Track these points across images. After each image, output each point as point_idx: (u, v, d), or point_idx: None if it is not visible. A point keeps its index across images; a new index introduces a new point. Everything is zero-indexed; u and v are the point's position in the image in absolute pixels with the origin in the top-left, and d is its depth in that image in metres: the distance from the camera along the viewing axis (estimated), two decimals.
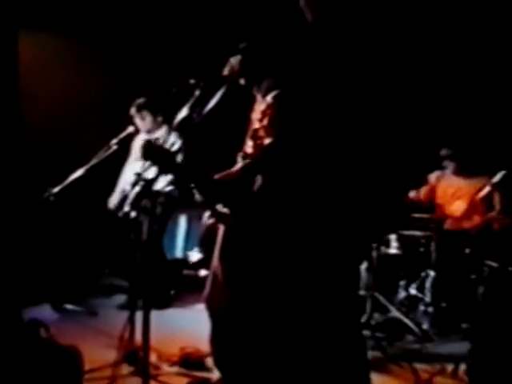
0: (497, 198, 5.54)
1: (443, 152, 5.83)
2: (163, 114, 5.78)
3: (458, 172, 5.83)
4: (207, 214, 3.44)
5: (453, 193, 5.86)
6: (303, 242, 2.95)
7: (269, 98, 3.27)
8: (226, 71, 3.39)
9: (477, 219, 5.64)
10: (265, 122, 3.26)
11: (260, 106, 3.32)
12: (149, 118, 5.76)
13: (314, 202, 2.92)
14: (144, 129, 5.78)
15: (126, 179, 5.68)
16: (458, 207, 5.71)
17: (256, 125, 3.31)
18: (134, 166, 5.54)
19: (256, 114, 3.34)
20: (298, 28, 3.06)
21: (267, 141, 3.21)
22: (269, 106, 3.25)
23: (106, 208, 5.86)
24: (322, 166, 2.93)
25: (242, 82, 3.41)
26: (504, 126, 6.20)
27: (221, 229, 3.38)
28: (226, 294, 3.30)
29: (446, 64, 6.17)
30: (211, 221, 3.41)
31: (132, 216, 5.59)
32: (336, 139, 2.92)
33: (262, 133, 3.25)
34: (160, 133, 5.66)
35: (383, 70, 2.97)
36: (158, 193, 5.43)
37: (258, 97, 3.37)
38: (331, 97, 2.91)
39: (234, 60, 3.38)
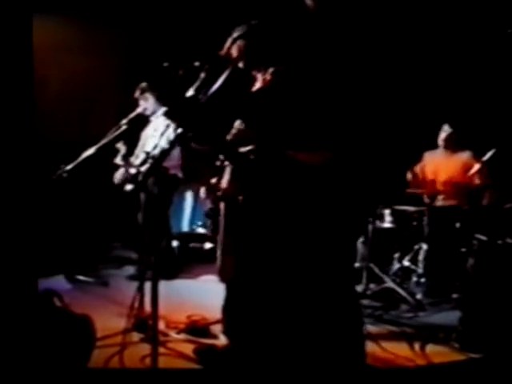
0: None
1: (444, 128, 5.81)
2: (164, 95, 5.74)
3: (446, 147, 5.81)
4: (203, 189, 3.43)
5: (435, 169, 5.84)
6: (302, 213, 2.93)
7: (270, 70, 3.23)
8: (233, 53, 3.34)
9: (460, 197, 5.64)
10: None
11: (259, 81, 3.29)
12: (151, 100, 5.72)
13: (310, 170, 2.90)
14: (149, 110, 5.74)
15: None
16: (439, 184, 5.71)
17: None
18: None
19: (255, 87, 3.30)
20: (299, 15, 3.02)
21: None
22: (270, 74, 3.22)
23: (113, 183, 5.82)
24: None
25: (241, 65, 3.37)
26: (490, 101, 6.16)
27: (222, 205, 3.37)
28: (235, 265, 3.29)
29: (444, 47, 6.11)
30: (207, 195, 3.40)
31: (129, 189, 5.60)
32: (333, 117, 2.89)
33: None
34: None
35: (380, 56, 2.94)
36: (166, 170, 5.40)
37: (258, 76, 3.33)
38: (329, 76, 2.88)
39: (241, 43, 3.34)
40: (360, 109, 2.91)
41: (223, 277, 3.40)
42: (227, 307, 3.43)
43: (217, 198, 3.35)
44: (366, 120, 2.94)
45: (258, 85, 3.31)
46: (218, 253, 3.40)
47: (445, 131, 5.80)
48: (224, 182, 3.31)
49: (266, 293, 3.11)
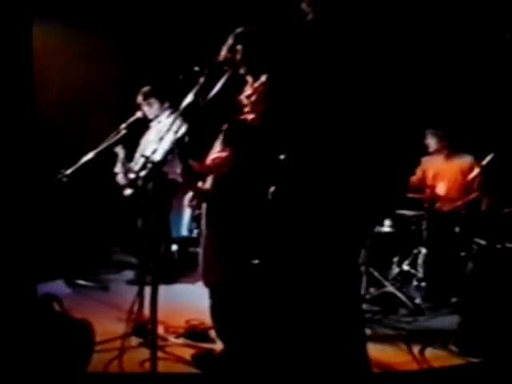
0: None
1: (429, 132, 5.82)
2: (169, 100, 5.73)
3: (440, 152, 5.82)
4: (188, 196, 3.44)
5: (434, 174, 5.85)
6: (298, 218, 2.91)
7: (263, 78, 3.24)
8: (237, 57, 3.35)
9: (458, 202, 5.62)
10: (253, 97, 3.23)
11: (252, 85, 3.29)
12: (156, 105, 5.71)
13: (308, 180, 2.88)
14: (152, 115, 5.74)
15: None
16: (440, 189, 5.70)
17: (243, 101, 3.28)
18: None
19: (246, 92, 3.31)
20: (298, 23, 3.02)
21: (250, 116, 3.19)
22: (262, 84, 3.22)
23: (115, 182, 5.80)
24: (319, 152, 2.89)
25: (242, 71, 3.38)
26: (489, 105, 6.16)
27: (203, 208, 3.38)
28: (220, 268, 3.30)
29: (443, 53, 6.10)
30: (193, 202, 3.41)
31: (128, 194, 5.60)
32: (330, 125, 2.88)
33: (247, 108, 3.23)
34: (165, 118, 5.64)
35: (379, 62, 2.93)
36: (165, 175, 5.40)
37: (250, 79, 3.33)
38: (326, 83, 2.87)
39: (240, 48, 3.35)
40: (359, 113, 2.90)
41: (207, 280, 3.41)
42: (216, 311, 3.44)
43: (200, 200, 3.37)
44: (367, 123, 2.93)
45: (247, 90, 3.31)
46: (201, 255, 3.42)
47: (431, 141, 5.82)
48: (207, 184, 3.33)
49: (264, 295, 3.11)
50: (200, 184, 3.38)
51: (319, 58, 2.87)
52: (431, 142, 5.85)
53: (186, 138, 3.28)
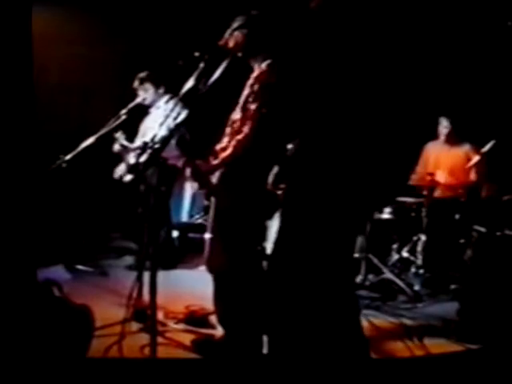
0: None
1: (443, 122, 5.80)
2: (165, 85, 5.71)
3: (447, 140, 5.81)
4: (193, 185, 3.44)
5: (435, 162, 5.84)
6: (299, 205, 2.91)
7: (263, 66, 3.23)
8: (230, 43, 3.34)
9: (459, 189, 5.61)
10: (255, 87, 3.22)
11: (254, 73, 3.28)
12: (151, 90, 5.69)
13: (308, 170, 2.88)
14: (148, 101, 5.71)
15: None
16: (440, 176, 5.68)
17: (246, 91, 3.28)
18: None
19: (249, 81, 3.30)
20: (299, 6, 3.01)
21: (253, 106, 3.18)
22: (262, 73, 3.22)
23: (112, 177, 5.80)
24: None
25: (240, 54, 3.36)
26: (490, 93, 6.14)
27: (213, 198, 3.38)
28: (224, 256, 3.31)
29: (444, 40, 6.07)
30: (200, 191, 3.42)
31: (128, 179, 5.58)
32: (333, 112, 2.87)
33: (250, 99, 3.22)
34: (164, 104, 5.62)
35: (380, 47, 2.92)
36: (165, 160, 5.38)
37: (255, 66, 3.32)
38: (327, 69, 2.86)
39: (239, 33, 3.33)
40: (360, 102, 2.89)
41: (211, 266, 3.42)
42: (219, 298, 3.44)
43: (209, 193, 3.38)
44: (367, 112, 2.92)
45: (250, 80, 3.30)
46: (207, 241, 3.43)
47: (445, 127, 5.79)
48: (215, 177, 3.33)
49: (261, 284, 3.12)
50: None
51: (323, 45, 2.86)
52: (444, 132, 5.83)
53: (188, 136, 3.25)
